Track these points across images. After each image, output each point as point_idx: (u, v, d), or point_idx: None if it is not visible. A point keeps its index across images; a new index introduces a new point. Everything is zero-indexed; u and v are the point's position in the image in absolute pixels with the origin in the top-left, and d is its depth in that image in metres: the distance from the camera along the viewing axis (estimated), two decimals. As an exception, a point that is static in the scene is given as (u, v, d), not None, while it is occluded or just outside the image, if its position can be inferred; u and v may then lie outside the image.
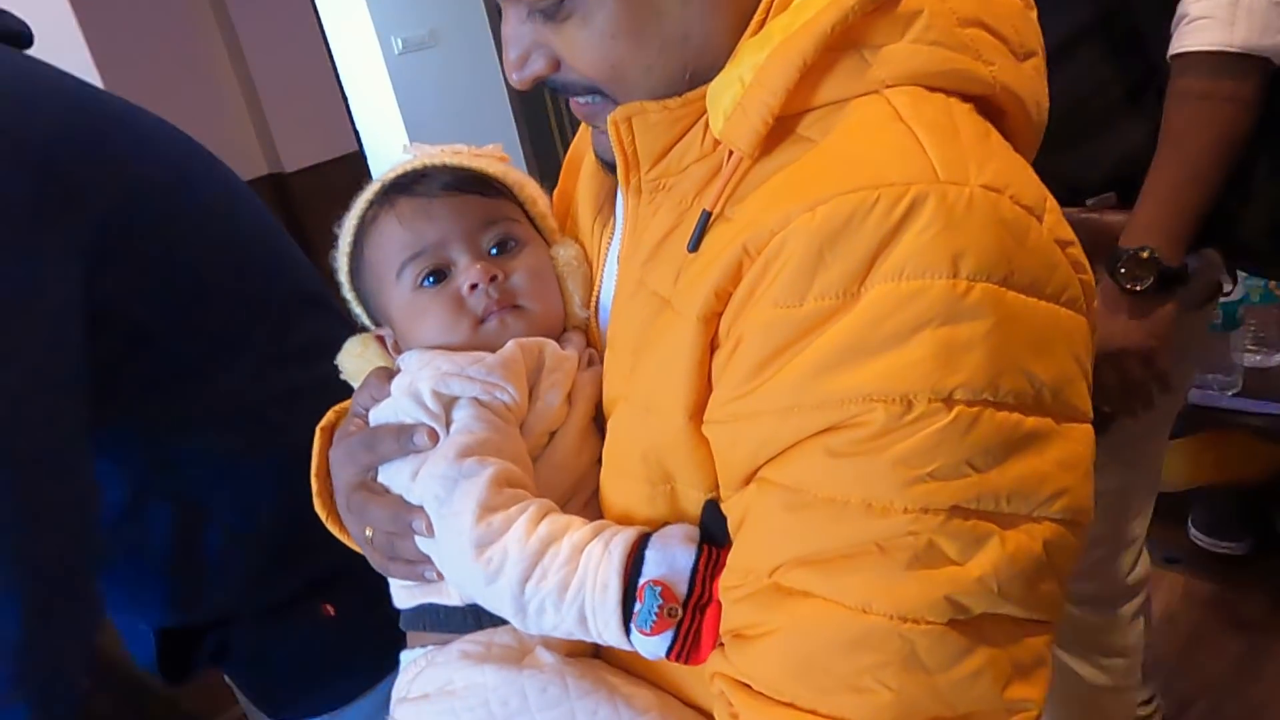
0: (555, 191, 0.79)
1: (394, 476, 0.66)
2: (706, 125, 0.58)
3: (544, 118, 4.50)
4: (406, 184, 0.70)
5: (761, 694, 0.51)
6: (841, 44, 0.53)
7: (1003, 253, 0.48)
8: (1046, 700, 0.53)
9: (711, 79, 0.56)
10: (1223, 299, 1.98)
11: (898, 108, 0.52)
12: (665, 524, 0.59)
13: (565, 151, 0.79)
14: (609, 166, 0.64)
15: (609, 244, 0.69)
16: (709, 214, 0.55)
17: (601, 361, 0.67)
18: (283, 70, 3.59)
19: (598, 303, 0.70)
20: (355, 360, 0.74)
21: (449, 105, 5.44)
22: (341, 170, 3.81)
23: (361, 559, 0.91)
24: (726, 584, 0.54)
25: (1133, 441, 1.36)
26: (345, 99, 3.85)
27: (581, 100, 0.61)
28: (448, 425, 0.62)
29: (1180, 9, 1.11)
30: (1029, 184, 0.52)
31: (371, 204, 0.71)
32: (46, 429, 0.77)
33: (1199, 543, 2.23)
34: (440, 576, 0.65)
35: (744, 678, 0.53)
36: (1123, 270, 1.17)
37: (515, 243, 0.70)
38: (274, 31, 3.52)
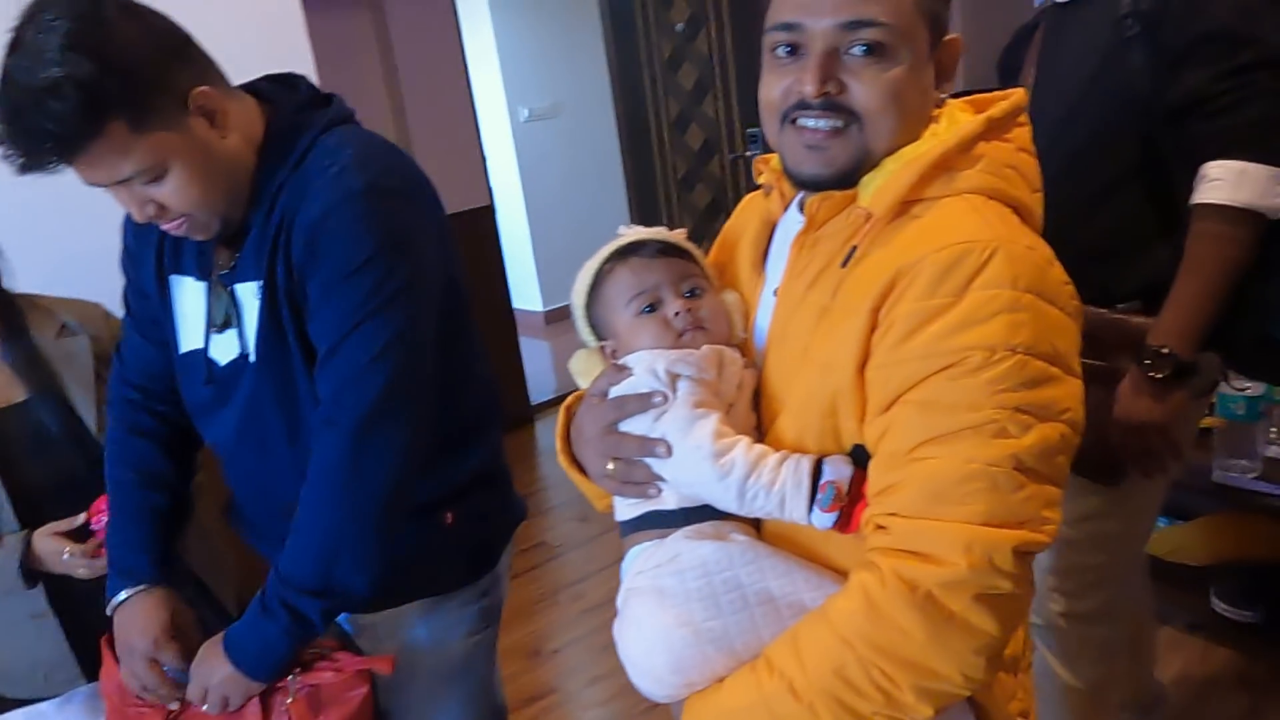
0: (709, 260, 1.13)
1: (635, 425, 0.97)
2: (853, 206, 0.94)
3: (652, 193, 4.90)
4: (634, 249, 1.06)
5: (904, 516, 0.84)
6: (940, 168, 0.91)
7: (1037, 279, 0.85)
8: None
9: (862, 178, 0.94)
10: (1246, 394, 2.27)
11: (973, 204, 0.89)
12: (826, 453, 0.92)
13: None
14: (829, 182, 0.94)
15: (761, 290, 1.05)
16: (855, 248, 0.92)
17: (753, 366, 1.01)
18: (435, 128, 4.11)
19: (754, 327, 1.04)
20: (584, 364, 1.09)
21: (565, 172, 5.94)
22: (475, 221, 4.31)
23: (481, 484, 1.39)
24: (877, 464, 0.88)
25: (1136, 496, 1.68)
26: (484, 158, 4.34)
27: (825, 125, 0.91)
28: (674, 392, 0.96)
29: (1201, 170, 1.47)
30: (1045, 249, 0.90)
31: (609, 260, 1.06)
32: (427, 349, 1.23)
33: (1219, 611, 2.46)
34: (659, 494, 0.97)
35: (892, 510, 0.85)
36: (1147, 362, 1.49)
37: (701, 290, 1.04)
38: (431, 93, 4.05)
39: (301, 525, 1.23)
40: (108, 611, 1.37)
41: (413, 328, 1.20)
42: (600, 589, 3.14)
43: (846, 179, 0.93)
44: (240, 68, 1.32)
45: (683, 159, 4.70)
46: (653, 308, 1.02)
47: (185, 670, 1.31)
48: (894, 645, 0.83)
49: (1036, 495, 0.83)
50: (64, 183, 1.16)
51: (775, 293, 1.01)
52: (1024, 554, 0.83)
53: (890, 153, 0.92)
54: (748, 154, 4.33)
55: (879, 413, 0.87)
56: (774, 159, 1.04)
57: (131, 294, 1.42)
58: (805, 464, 0.90)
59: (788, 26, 0.91)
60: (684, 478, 0.95)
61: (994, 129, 0.93)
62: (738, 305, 1.05)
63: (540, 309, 6.05)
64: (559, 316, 6.03)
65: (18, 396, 1.58)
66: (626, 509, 1.03)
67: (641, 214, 4.93)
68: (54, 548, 1.49)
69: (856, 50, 0.89)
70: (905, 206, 0.91)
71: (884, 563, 0.85)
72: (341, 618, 1.38)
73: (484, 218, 4.32)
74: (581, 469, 1.07)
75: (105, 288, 1.63)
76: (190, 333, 1.33)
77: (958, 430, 0.82)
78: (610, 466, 0.99)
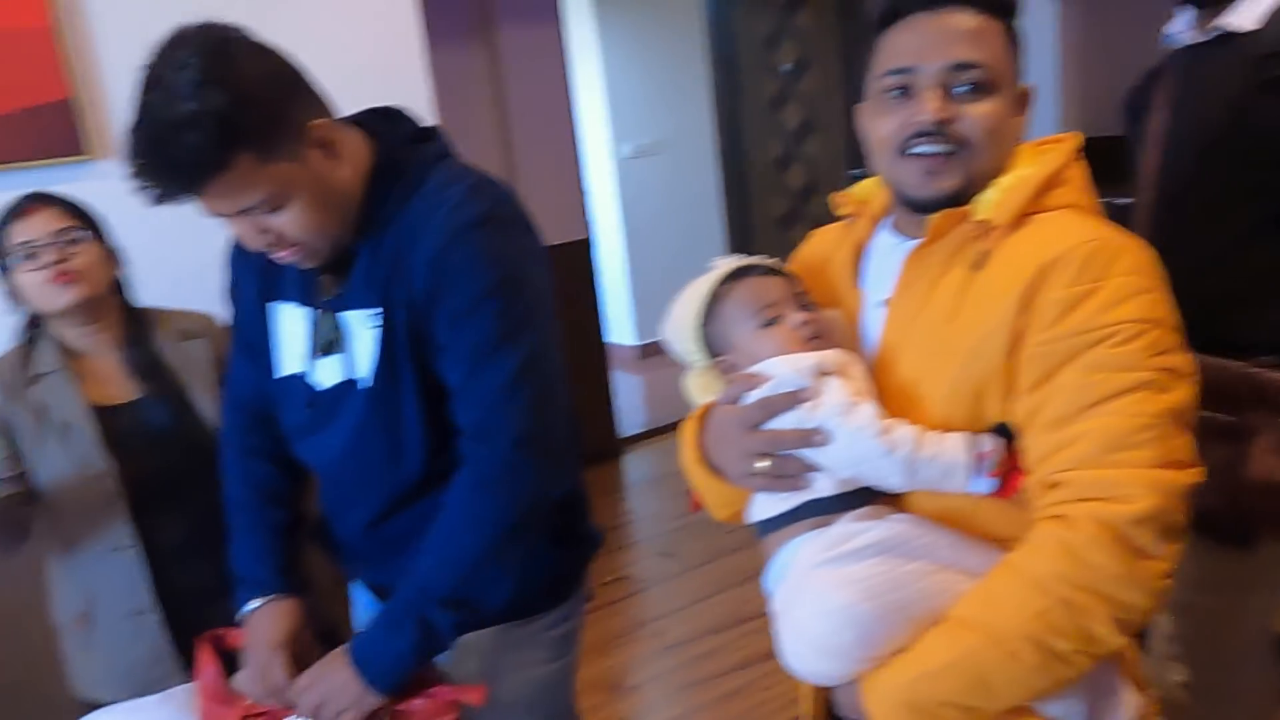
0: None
1: (784, 421, 1.05)
2: (964, 222, 1.05)
3: (750, 231, 4.90)
4: (748, 270, 1.15)
5: (1085, 468, 0.94)
6: (1047, 186, 1.04)
7: (1153, 268, 1.00)
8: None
9: (969, 198, 1.07)
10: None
11: (1078, 215, 1.04)
12: (969, 430, 1.02)
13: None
14: (938, 203, 1.06)
15: (863, 304, 1.14)
16: (986, 253, 1.03)
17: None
18: (540, 160, 4.18)
19: (859, 336, 1.13)
20: (700, 379, 1.18)
21: (665, 209, 5.97)
22: (573, 254, 4.35)
23: (563, 511, 1.37)
24: (1040, 431, 0.97)
25: (1271, 566, 1.57)
26: (585, 192, 4.40)
27: (940, 149, 1.03)
28: (822, 388, 1.05)
29: None
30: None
31: (725, 280, 1.14)
32: (557, 368, 1.29)
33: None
34: (810, 485, 1.05)
35: (1069, 466, 0.95)
36: None
37: (812, 306, 1.13)
38: (539, 126, 4.13)
39: (443, 539, 1.24)
40: (236, 620, 1.40)
41: (541, 350, 1.24)
42: (681, 627, 3.09)
43: (956, 199, 1.05)
44: (361, 97, 1.36)
45: (783, 198, 4.68)
46: (774, 321, 1.10)
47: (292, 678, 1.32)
48: (1091, 583, 0.93)
49: (1188, 442, 0.96)
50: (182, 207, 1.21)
51: (883, 304, 1.11)
52: (1189, 491, 0.95)
53: (989, 177, 1.06)
54: (850, 195, 4.29)
55: (1032, 389, 0.98)
56: (854, 191, 1.20)
57: (236, 323, 1.47)
58: (962, 436, 1.01)
59: (902, 70, 1.03)
60: (848, 459, 1.03)
61: (1073, 158, 1.09)
62: (840, 319, 1.14)
63: (634, 343, 6.07)
64: (653, 351, 6.05)
65: (134, 394, 1.67)
66: (773, 505, 1.09)
67: (736, 252, 4.90)
68: None
69: (963, 88, 1.02)
70: (1020, 219, 1.03)
71: (1074, 511, 0.94)
72: None
73: (583, 251, 4.36)
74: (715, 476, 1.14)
75: (215, 301, 1.71)
76: (290, 357, 1.37)
77: (1124, 390, 0.94)
78: (761, 464, 1.07)
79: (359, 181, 1.25)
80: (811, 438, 1.04)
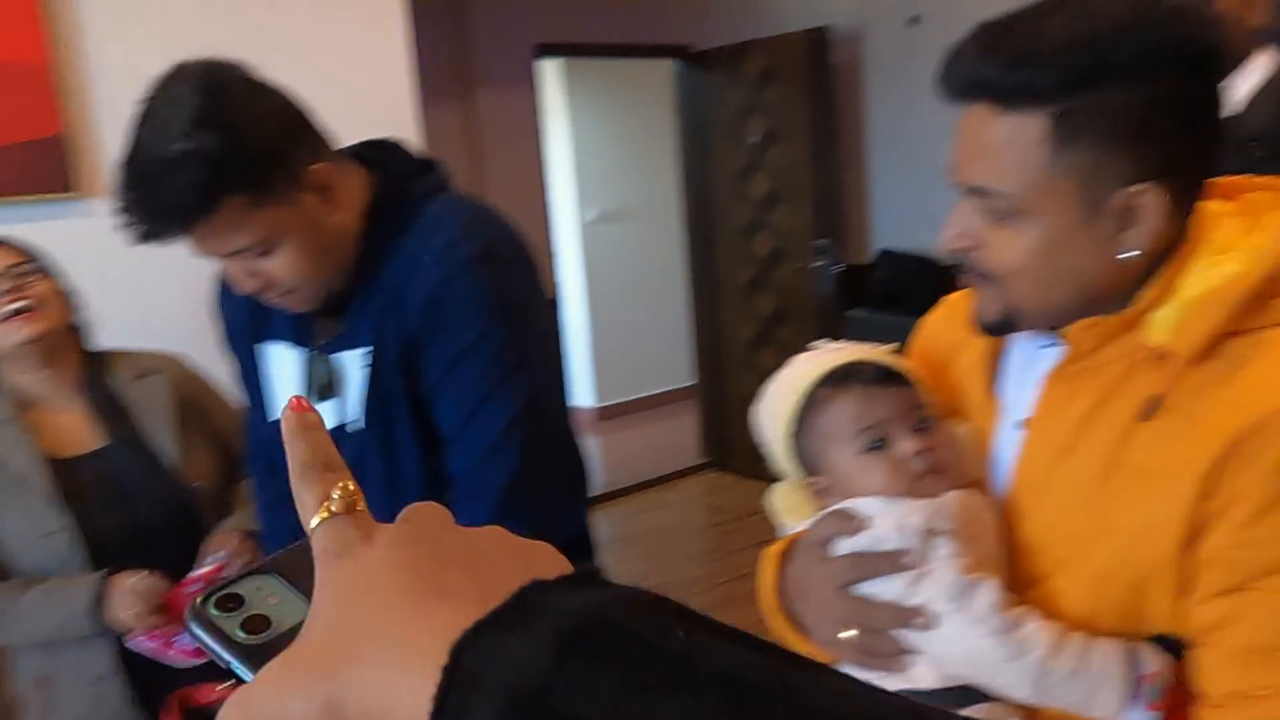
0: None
1: (881, 588, 0.82)
2: (1127, 336, 0.78)
3: (714, 296, 4.94)
4: (852, 373, 0.90)
5: None
6: (1258, 295, 0.74)
7: None
8: None
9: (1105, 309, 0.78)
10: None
11: None
12: (1118, 631, 0.78)
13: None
14: (988, 329, 0.85)
15: (996, 421, 0.89)
16: (1158, 398, 0.75)
17: (994, 508, 0.87)
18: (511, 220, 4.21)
19: (990, 461, 0.89)
20: (789, 499, 0.96)
21: (628, 272, 6.02)
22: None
23: (566, 553, 1.33)
24: (1228, 658, 0.73)
25: None
26: (553, 255, 4.44)
27: (973, 280, 0.83)
28: (930, 552, 0.81)
29: None
30: None
31: (824, 384, 0.90)
32: (552, 411, 1.26)
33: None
34: (905, 669, 0.82)
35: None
36: None
37: (931, 421, 0.89)
38: (512, 188, 4.18)
39: None
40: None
41: (537, 393, 1.21)
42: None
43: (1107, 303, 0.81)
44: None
45: (748, 266, 4.75)
46: (881, 443, 0.88)
47: None
48: None
49: None
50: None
51: (1021, 425, 0.87)
52: None
53: (1157, 265, 0.78)
54: (813, 265, 4.39)
55: (1216, 595, 0.74)
56: None
57: (239, 369, 1.42)
58: (1119, 649, 0.78)
59: None
60: (956, 655, 0.81)
61: None
62: (970, 438, 0.91)
63: (593, 404, 6.06)
64: (611, 414, 6.00)
65: (93, 445, 1.60)
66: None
67: (701, 317, 4.97)
68: (126, 603, 1.46)
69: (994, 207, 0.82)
70: (1213, 344, 0.75)
71: None
72: None
73: (549, 311, 4.37)
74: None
75: (187, 344, 1.71)
76: (284, 400, 1.32)
77: None
78: (847, 634, 0.84)
79: (356, 222, 1.21)
80: (911, 618, 0.80)
